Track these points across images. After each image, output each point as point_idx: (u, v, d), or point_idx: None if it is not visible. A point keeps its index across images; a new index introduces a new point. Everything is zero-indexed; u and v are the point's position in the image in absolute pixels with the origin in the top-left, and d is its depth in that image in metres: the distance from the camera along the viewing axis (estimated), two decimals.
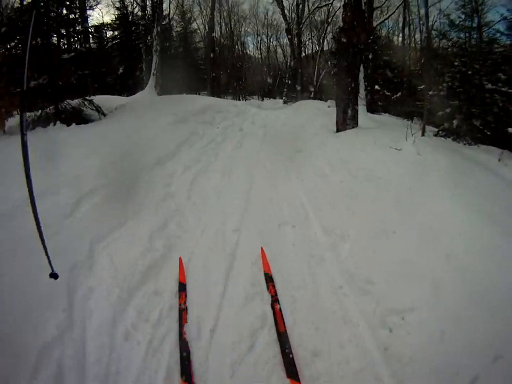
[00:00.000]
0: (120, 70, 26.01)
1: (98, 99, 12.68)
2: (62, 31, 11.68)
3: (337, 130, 9.62)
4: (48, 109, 10.47)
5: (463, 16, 16.35)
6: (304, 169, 7.42)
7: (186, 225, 5.36)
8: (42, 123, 9.95)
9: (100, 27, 12.23)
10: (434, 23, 26.02)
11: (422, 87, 18.19)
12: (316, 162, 7.63)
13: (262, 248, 4.55)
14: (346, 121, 9.38)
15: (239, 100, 36.61)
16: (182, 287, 3.88)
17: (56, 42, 11.52)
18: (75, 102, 11.10)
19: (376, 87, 20.35)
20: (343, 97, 9.41)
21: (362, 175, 6.39)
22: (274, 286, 3.84)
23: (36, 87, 9.81)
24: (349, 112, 9.36)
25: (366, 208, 5.35)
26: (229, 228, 5.23)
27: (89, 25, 12.63)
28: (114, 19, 27.21)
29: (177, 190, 6.56)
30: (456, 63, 13.32)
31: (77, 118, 10.57)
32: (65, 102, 10.78)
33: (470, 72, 13.58)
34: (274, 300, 3.61)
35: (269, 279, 3.97)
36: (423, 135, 9.79)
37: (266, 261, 4.29)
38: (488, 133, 12.71)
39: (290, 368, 2.85)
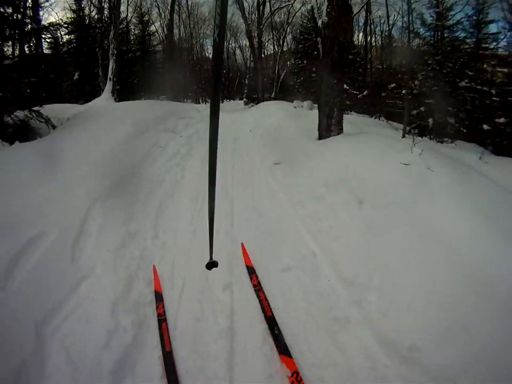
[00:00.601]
0: (76, 76, 23.96)
1: (50, 108, 11.07)
2: (6, 33, 9.80)
3: (320, 137, 8.35)
4: None
5: (434, 15, 15.58)
6: (294, 189, 6.23)
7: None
8: None
9: (51, 27, 10.44)
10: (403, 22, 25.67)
11: (392, 85, 17.40)
12: (306, 180, 6.39)
13: (242, 243, 4.58)
14: (331, 127, 8.15)
15: (200, 103, 35.10)
16: (159, 297, 3.77)
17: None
18: (22, 114, 9.39)
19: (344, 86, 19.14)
20: (327, 100, 8.11)
21: (370, 198, 5.14)
22: (257, 277, 4.00)
23: None
24: (334, 116, 8.11)
25: (385, 244, 4.16)
26: (216, 284, 4.06)
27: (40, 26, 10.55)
28: (69, 20, 24.94)
29: (139, 228, 5.22)
30: (430, 62, 12.68)
31: (23, 133, 8.93)
32: (12, 115, 9.12)
33: (444, 71, 13.00)
34: (258, 289, 3.75)
35: (251, 270, 4.09)
36: (403, 136, 9.19)
37: (247, 254, 4.40)
38: (464, 130, 12.39)
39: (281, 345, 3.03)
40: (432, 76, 13.35)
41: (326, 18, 7.90)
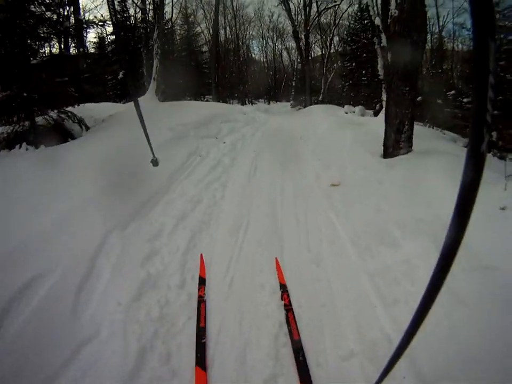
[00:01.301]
0: (120, 75, 23.45)
1: (88, 108, 10.31)
2: (40, 33, 8.78)
3: (386, 155, 6.86)
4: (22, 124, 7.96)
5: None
6: (358, 226, 4.71)
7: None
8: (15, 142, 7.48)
9: (91, 24, 9.61)
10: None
11: (451, 92, 15.66)
12: (374, 215, 4.90)
13: (276, 258, 4.13)
14: (399, 143, 6.64)
15: (245, 104, 34.00)
16: (202, 281, 3.73)
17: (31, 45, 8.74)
18: (56, 115, 8.58)
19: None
20: (397, 111, 6.58)
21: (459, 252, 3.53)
22: (288, 295, 3.48)
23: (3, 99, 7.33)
24: (404, 131, 6.60)
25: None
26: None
27: (70, 24, 9.59)
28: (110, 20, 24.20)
29: (162, 270, 3.96)
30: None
31: (55, 134, 7.99)
32: (46, 115, 8.35)
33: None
34: (289, 309, 3.30)
35: (283, 288, 3.61)
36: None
37: (280, 271, 3.90)
38: None
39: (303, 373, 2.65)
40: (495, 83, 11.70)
41: (396, 11, 6.32)
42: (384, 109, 10.76)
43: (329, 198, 5.69)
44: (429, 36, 28.09)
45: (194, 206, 5.45)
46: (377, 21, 11.73)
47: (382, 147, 7.00)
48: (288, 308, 3.30)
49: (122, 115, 10.11)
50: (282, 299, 3.42)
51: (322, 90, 28.45)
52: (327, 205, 5.47)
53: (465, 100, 13.03)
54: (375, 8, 12.87)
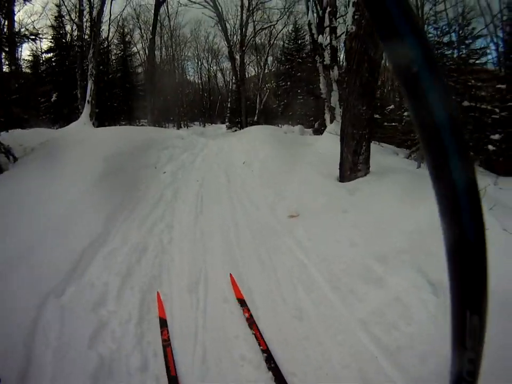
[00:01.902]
0: (54, 98, 22.11)
1: (18, 134, 9.18)
2: None
3: (343, 178, 6.20)
4: None
5: (436, 32, 13.88)
6: (333, 264, 4.17)
7: None
8: None
9: (14, 38, 8.68)
10: None
11: (390, 107, 15.63)
12: (349, 250, 4.35)
13: (230, 274, 4.04)
14: (357, 166, 6.02)
15: (181, 127, 33.00)
16: (163, 323, 3.31)
17: None
18: None
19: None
20: (354, 132, 5.97)
21: None
22: (248, 310, 3.44)
23: None
24: (362, 153, 6.00)
25: None
26: None
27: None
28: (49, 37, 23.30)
29: (115, 351, 3.05)
30: None
31: None
32: None
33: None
34: (252, 322, 3.27)
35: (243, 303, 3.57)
36: (419, 167, 8.28)
37: (236, 285, 3.84)
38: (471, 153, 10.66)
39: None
40: None
41: (353, 27, 5.81)
42: (329, 127, 10.35)
43: (291, 233, 4.98)
44: None
45: (139, 256, 4.53)
46: (320, 38, 11.29)
47: (338, 170, 6.40)
48: (251, 321, 3.28)
49: (54, 143, 8.99)
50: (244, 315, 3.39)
51: (257, 111, 28.17)
52: (291, 241, 4.75)
53: (405, 113, 12.95)
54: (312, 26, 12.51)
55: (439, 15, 13.78)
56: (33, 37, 9.18)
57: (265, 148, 10.37)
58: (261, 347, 2.94)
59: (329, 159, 7.02)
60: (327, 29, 11.35)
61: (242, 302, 3.56)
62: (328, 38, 11.28)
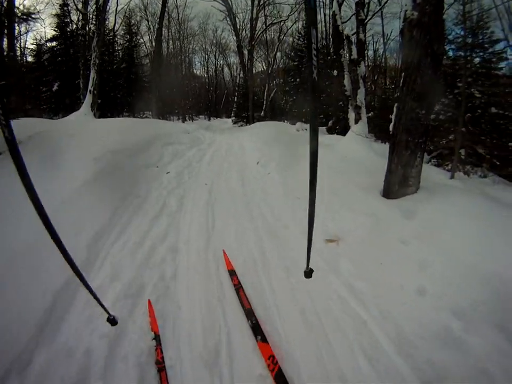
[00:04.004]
0: (55, 87, 20.66)
1: (16, 124, 7.39)
2: None
3: (389, 194, 4.79)
4: None
5: (461, 32, 12.45)
6: (405, 324, 2.95)
7: None
8: None
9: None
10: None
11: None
12: (422, 305, 3.09)
13: (223, 250, 4.05)
14: (409, 180, 4.64)
15: (186, 120, 31.56)
16: (157, 339, 2.89)
17: None
18: None
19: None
20: (409, 140, 4.57)
21: None
22: (237, 277, 3.59)
23: None
24: (415, 165, 4.63)
25: None
26: None
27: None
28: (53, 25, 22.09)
29: None
30: (459, 84, 10.16)
31: None
32: None
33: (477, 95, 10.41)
34: (238, 287, 3.42)
35: (232, 273, 3.69)
36: (452, 177, 7.00)
37: (228, 259, 3.91)
38: (497, 162, 10.28)
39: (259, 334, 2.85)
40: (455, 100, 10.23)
41: (415, 13, 4.38)
42: (354, 128, 8.94)
43: (336, 268, 3.64)
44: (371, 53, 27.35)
45: (133, 303, 3.24)
46: (347, 30, 9.85)
47: (375, 181, 5.07)
48: (238, 286, 3.44)
49: (44, 136, 7.50)
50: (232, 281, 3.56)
51: (264, 106, 26.79)
52: (338, 282, 3.44)
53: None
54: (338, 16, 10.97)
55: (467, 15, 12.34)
56: (25, 17, 7.95)
57: (280, 146, 9.08)
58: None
59: (361, 166, 5.85)
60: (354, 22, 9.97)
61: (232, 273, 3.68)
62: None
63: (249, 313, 3.08)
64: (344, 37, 9.94)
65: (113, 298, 3.22)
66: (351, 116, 9.12)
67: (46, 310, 2.99)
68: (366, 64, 9.60)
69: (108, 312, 1.99)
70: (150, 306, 3.18)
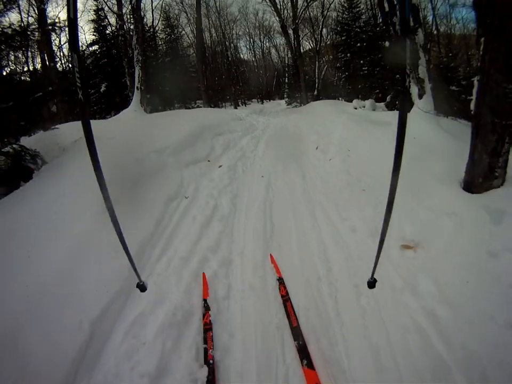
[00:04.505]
0: (103, 88, 21.21)
1: (55, 132, 7.32)
2: None
3: (472, 187, 3.97)
4: None
5: None
6: None
7: None
8: None
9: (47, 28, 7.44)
10: None
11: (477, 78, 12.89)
12: None
13: (271, 254, 3.75)
14: (495, 170, 3.80)
15: (239, 105, 31.21)
16: (206, 306, 3.10)
17: None
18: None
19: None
20: (496, 122, 3.68)
21: None
22: (285, 287, 3.25)
23: None
24: (503, 152, 3.75)
25: None
26: None
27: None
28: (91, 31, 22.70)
29: None
30: None
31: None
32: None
33: None
34: (286, 299, 3.10)
35: (281, 281, 3.36)
36: None
37: (277, 265, 3.59)
38: None
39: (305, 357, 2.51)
40: None
41: None
42: (419, 103, 8.01)
43: (414, 287, 2.95)
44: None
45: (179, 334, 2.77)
46: None
47: (455, 169, 4.29)
48: (286, 298, 3.13)
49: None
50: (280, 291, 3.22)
51: (316, 85, 25.99)
52: (415, 306, 2.77)
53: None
54: None
55: None
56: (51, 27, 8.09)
57: (338, 127, 8.35)
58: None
59: (434, 149, 5.03)
60: None
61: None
62: None
63: (296, 332, 2.75)
64: (396, 2, 8.93)
65: (155, 328, 2.77)
66: (414, 90, 8.20)
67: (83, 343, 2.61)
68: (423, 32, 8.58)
69: (138, 277, 2.04)
70: (204, 278, 3.38)
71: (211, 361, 2.51)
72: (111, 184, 1.49)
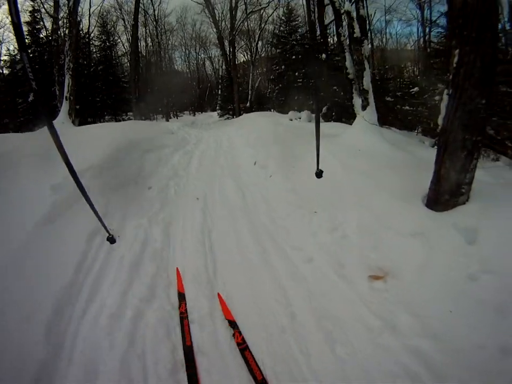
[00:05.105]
0: (31, 97, 19.14)
1: None
2: None
3: (437, 204, 3.65)
4: None
5: None
6: None
7: None
8: None
9: None
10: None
11: (415, 89, 13.00)
12: None
13: (218, 293, 3.30)
14: (461, 187, 3.50)
15: (170, 118, 30.33)
16: (181, 297, 3.22)
17: None
18: None
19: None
20: (467, 137, 3.38)
21: None
22: (240, 333, 2.85)
23: None
24: (470, 168, 3.47)
25: None
26: None
27: None
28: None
29: None
30: None
31: None
32: None
33: None
34: (244, 348, 2.68)
35: (233, 325, 2.98)
36: None
37: (226, 306, 3.17)
38: None
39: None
40: None
41: None
42: (363, 114, 7.71)
43: (392, 324, 2.61)
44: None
45: None
46: (347, 5, 8.43)
47: (411, 183, 4.04)
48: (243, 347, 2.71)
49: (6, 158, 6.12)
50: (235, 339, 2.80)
51: (249, 97, 25.95)
52: (397, 345, 2.46)
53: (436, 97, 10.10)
54: None
55: None
56: None
57: (276, 141, 7.84)
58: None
59: (383, 162, 4.79)
60: None
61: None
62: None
63: None
64: (344, 13, 8.64)
65: None
66: (357, 101, 7.95)
67: None
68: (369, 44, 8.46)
69: (107, 231, 2.19)
70: (178, 272, 3.51)
71: None
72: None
